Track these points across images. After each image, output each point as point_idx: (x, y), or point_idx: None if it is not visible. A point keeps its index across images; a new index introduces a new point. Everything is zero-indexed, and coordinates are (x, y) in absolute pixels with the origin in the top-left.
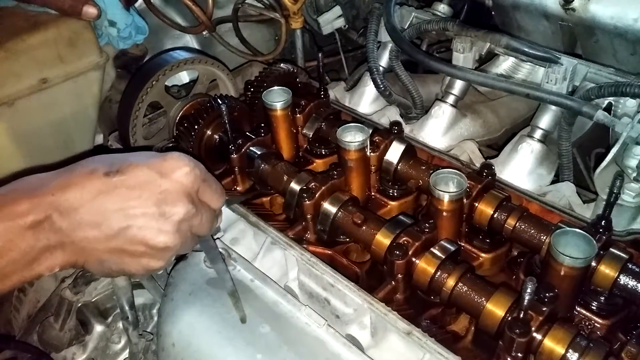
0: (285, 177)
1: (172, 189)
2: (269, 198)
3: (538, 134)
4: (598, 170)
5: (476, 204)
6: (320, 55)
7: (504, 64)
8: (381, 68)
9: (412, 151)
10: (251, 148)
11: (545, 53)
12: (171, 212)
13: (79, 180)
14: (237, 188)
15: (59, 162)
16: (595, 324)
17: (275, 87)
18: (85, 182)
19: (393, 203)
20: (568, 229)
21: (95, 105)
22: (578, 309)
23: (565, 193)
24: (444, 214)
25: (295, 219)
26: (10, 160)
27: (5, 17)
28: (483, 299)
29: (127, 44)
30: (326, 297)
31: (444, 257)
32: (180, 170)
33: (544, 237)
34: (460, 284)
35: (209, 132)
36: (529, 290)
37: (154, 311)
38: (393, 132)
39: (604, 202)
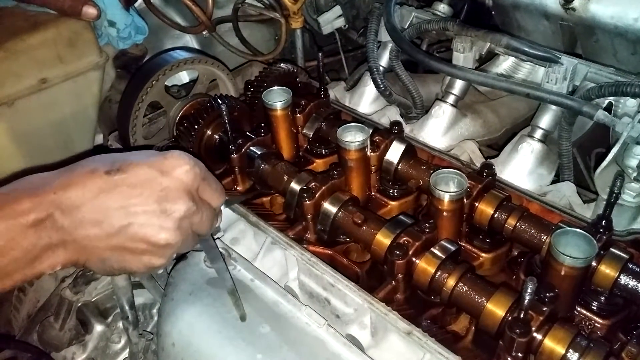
0: (285, 177)
1: (172, 187)
2: (269, 198)
3: (538, 133)
4: (598, 170)
5: (476, 204)
6: (320, 55)
7: (504, 64)
8: (381, 68)
9: (413, 151)
10: (251, 148)
11: (545, 53)
12: (172, 209)
13: (80, 179)
14: (237, 188)
15: (60, 162)
16: (596, 324)
17: (275, 87)
18: (86, 181)
19: (393, 203)
20: (568, 228)
21: (95, 105)
22: (578, 309)
23: (566, 193)
24: (444, 213)
25: (295, 218)
26: (10, 160)
27: (5, 17)
28: (483, 299)
29: (126, 44)
30: (326, 297)
31: (444, 257)
32: (181, 168)
33: (545, 237)
34: (460, 284)
35: (209, 132)
36: (529, 290)
37: (154, 311)
38: (393, 132)
39: (605, 202)
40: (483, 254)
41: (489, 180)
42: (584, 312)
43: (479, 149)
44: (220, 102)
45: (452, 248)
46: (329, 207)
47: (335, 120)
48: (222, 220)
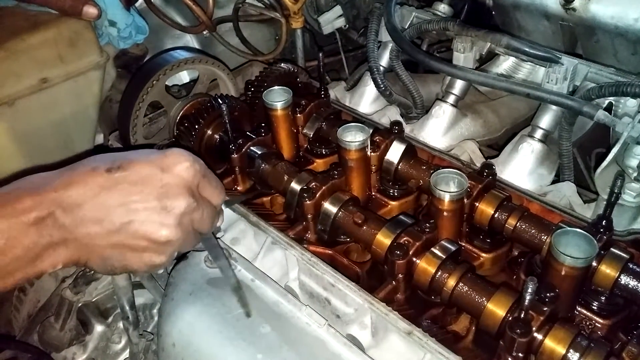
0: (285, 177)
1: (173, 183)
2: (269, 198)
3: (539, 133)
4: (599, 170)
5: (477, 204)
6: (320, 55)
7: (505, 64)
8: (382, 68)
9: (413, 151)
10: (251, 148)
11: (545, 53)
12: (172, 205)
13: (81, 178)
14: (238, 188)
15: (60, 162)
16: (596, 324)
17: (276, 87)
18: (87, 179)
19: (393, 203)
20: (569, 228)
21: (96, 105)
22: (579, 308)
23: (566, 193)
24: (445, 213)
25: (295, 218)
26: (11, 160)
27: (5, 17)
28: (484, 299)
29: (127, 44)
30: (327, 297)
31: (444, 257)
32: (181, 164)
33: (545, 237)
34: (460, 284)
35: (209, 132)
36: (529, 290)
37: (155, 311)
38: (393, 131)
39: (605, 202)
40: (483, 254)
41: (489, 180)
42: (585, 312)
43: (479, 149)
44: (221, 102)
45: (453, 248)
46: (330, 207)
47: (336, 120)
48: (223, 220)
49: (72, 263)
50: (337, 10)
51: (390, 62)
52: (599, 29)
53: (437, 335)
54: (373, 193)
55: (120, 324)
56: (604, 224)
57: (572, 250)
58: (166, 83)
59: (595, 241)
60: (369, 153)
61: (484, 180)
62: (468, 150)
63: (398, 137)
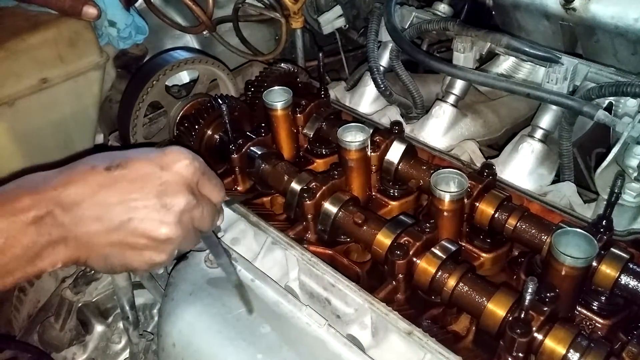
0: (285, 177)
1: (172, 181)
2: (269, 198)
3: (539, 133)
4: (599, 170)
5: (477, 204)
6: (320, 55)
7: (505, 64)
8: (382, 68)
9: (413, 151)
10: (252, 148)
11: (545, 53)
12: (172, 202)
13: (80, 176)
14: (238, 188)
15: (60, 160)
16: (596, 324)
17: (276, 87)
18: (86, 177)
19: (394, 203)
20: (569, 228)
21: (96, 105)
22: (579, 308)
23: (566, 193)
24: (445, 213)
25: (295, 218)
26: (11, 160)
27: (5, 17)
28: (484, 299)
29: (127, 44)
30: (327, 297)
31: (444, 257)
32: (180, 162)
33: (545, 237)
34: (461, 284)
35: (209, 132)
36: (530, 290)
37: (155, 311)
38: (394, 132)
39: (605, 202)
40: (483, 254)
41: (490, 180)
42: (585, 312)
43: (480, 149)
44: (221, 102)
45: (453, 248)
46: (330, 207)
47: (336, 120)
48: (223, 220)
49: (71, 262)
50: (337, 10)
51: (390, 62)
52: (599, 28)
53: (437, 335)
54: (373, 193)
55: (121, 324)
56: (604, 224)
57: (572, 250)
58: (166, 83)
59: (595, 241)
60: (369, 153)
61: (484, 180)
62: (468, 150)
63: (398, 137)
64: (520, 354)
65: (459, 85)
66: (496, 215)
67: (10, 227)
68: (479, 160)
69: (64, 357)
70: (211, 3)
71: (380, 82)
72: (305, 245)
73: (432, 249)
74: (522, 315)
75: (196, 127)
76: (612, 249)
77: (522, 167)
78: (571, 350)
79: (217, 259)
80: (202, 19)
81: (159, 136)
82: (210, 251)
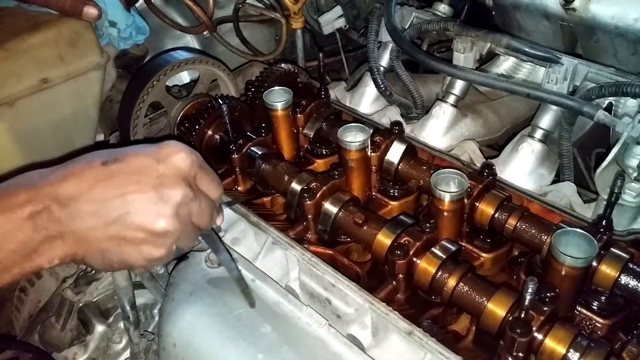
0: (286, 177)
1: (169, 173)
2: (269, 198)
3: (539, 133)
4: (599, 170)
5: (477, 204)
6: (320, 55)
7: (505, 64)
8: (382, 68)
9: (413, 151)
10: (252, 148)
11: (545, 53)
12: (169, 195)
13: (77, 171)
14: (238, 188)
15: (58, 157)
16: (596, 323)
17: (276, 87)
18: (83, 172)
19: (394, 203)
20: (569, 228)
21: (96, 105)
22: (579, 308)
23: (566, 193)
24: (445, 214)
25: (296, 219)
26: (11, 161)
27: (6, 17)
28: (484, 298)
29: (127, 44)
30: (327, 297)
31: (444, 257)
32: (177, 155)
33: (545, 237)
34: (461, 284)
35: (209, 132)
36: (530, 290)
37: (155, 311)
38: (394, 132)
39: (605, 202)
40: (484, 254)
41: (490, 180)
42: (585, 312)
43: (480, 149)
44: (221, 102)
45: (453, 248)
46: (330, 207)
47: (336, 120)
48: (223, 220)
49: (69, 258)
50: (337, 10)
51: (391, 63)
52: (599, 29)
53: (437, 335)
54: (373, 193)
55: (121, 324)
56: (604, 224)
57: (572, 250)
58: (167, 83)
59: (595, 241)
60: (369, 153)
61: (484, 180)
62: (468, 151)
63: (398, 137)
64: (520, 354)
65: (459, 85)
66: (496, 215)
67: (6, 223)
68: (479, 161)
69: (65, 357)
70: (211, 3)
71: (380, 82)
72: (306, 245)
73: (432, 249)
74: (522, 315)
75: (197, 127)
76: (612, 249)
77: (522, 167)
78: (571, 350)
79: (218, 254)
80: (203, 19)
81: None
82: (210, 248)
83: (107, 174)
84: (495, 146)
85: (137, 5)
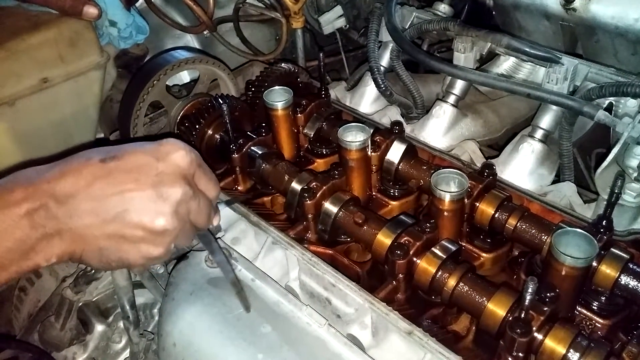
0: (286, 177)
1: (168, 171)
2: (270, 198)
3: (539, 133)
4: (599, 170)
5: (477, 204)
6: (321, 55)
7: (505, 64)
8: (382, 68)
9: (413, 151)
10: (252, 148)
11: (546, 53)
12: (168, 192)
13: (74, 168)
14: (238, 188)
15: (56, 154)
16: (596, 324)
17: (276, 87)
18: (81, 170)
19: (394, 203)
20: (569, 228)
21: (96, 105)
22: (579, 308)
23: (566, 193)
24: (445, 213)
25: (296, 218)
26: (11, 161)
27: (6, 17)
28: (484, 298)
29: (127, 44)
30: (327, 297)
31: (445, 257)
32: (177, 153)
33: (545, 237)
34: (461, 284)
35: (210, 132)
36: (530, 290)
37: (155, 311)
38: (394, 132)
39: (605, 202)
40: (484, 254)
41: (490, 180)
42: (585, 312)
43: (480, 149)
44: (222, 102)
45: (453, 248)
46: (330, 207)
47: (336, 120)
48: (220, 220)
49: (67, 256)
50: (338, 10)
51: (391, 62)
52: (599, 29)
53: (437, 335)
54: (373, 193)
55: (121, 324)
56: (604, 224)
57: (573, 250)
58: (167, 83)
59: (595, 241)
60: (369, 153)
61: (485, 180)
62: (468, 150)
63: (398, 137)
64: (520, 354)
65: (459, 85)
66: (496, 215)
67: (3, 221)
68: (479, 160)
69: (65, 356)
70: (212, 3)
71: (380, 82)
72: (306, 245)
73: (433, 248)
74: (522, 315)
75: (197, 126)
76: (612, 249)
77: (523, 167)
78: (571, 350)
79: (213, 256)
80: (203, 19)
81: None
82: (206, 249)
83: (105, 171)
84: (495, 146)
85: (137, 4)
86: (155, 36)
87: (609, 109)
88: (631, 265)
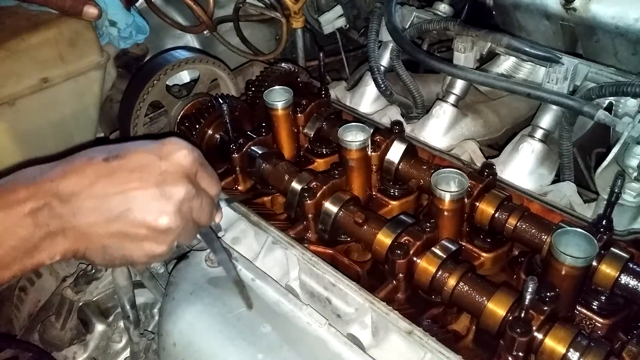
0: (286, 177)
1: (171, 170)
2: (270, 197)
3: (539, 133)
4: (599, 169)
5: (477, 204)
6: (321, 54)
7: (505, 64)
8: (382, 67)
9: (413, 151)
10: (252, 147)
11: (546, 53)
12: (171, 191)
13: (78, 167)
14: (239, 187)
15: (58, 153)
16: (596, 323)
17: (276, 87)
18: (84, 168)
19: (394, 203)
20: (569, 228)
21: (96, 104)
22: (579, 308)
23: (566, 193)
24: (445, 213)
25: (296, 218)
26: (11, 160)
27: (6, 17)
28: (484, 298)
29: (127, 44)
30: (327, 297)
31: (445, 256)
32: (179, 152)
33: (545, 237)
34: (461, 284)
35: (210, 132)
36: (530, 290)
37: (155, 310)
38: (394, 131)
39: (605, 202)
40: (484, 254)
41: (490, 180)
42: (585, 311)
43: (480, 149)
44: (222, 102)
45: (453, 248)
46: (330, 207)
47: (336, 120)
48: (222, 218)
49: (70, 254)
50: (338, 10)
51: (391, 62)
52: (599, 29)
53: (437, 335)
54: (374, 193)
55: (121, 323)
56: (604, 223)
57: (573, 249)
58: (167, 83)
59: (595, 241)
60: (369, 153)
61: (485, 180)
62: (468, 150)
63: (399, 137)
64: (520, 354)
65: (459, 85)
66: (496, 215)
67: (6, 220)
68: (479, 160)
69: (65, 356)
70: (212, 3)
71: (380, 82)
72: (306, 245)
73: (433, 248)
74: (522, 315)
75: (197, 126)
76: (612, 249)
77: (523, 167)
78: (571, 350)
79: (215, 254)
80: (203, 19)
81: None
82: (209, 247)
83: (108, 170)
84: (495, 146)
85: (137, 4)
86: (155, 36)
87: (609, 108)
88: (631, 265)
